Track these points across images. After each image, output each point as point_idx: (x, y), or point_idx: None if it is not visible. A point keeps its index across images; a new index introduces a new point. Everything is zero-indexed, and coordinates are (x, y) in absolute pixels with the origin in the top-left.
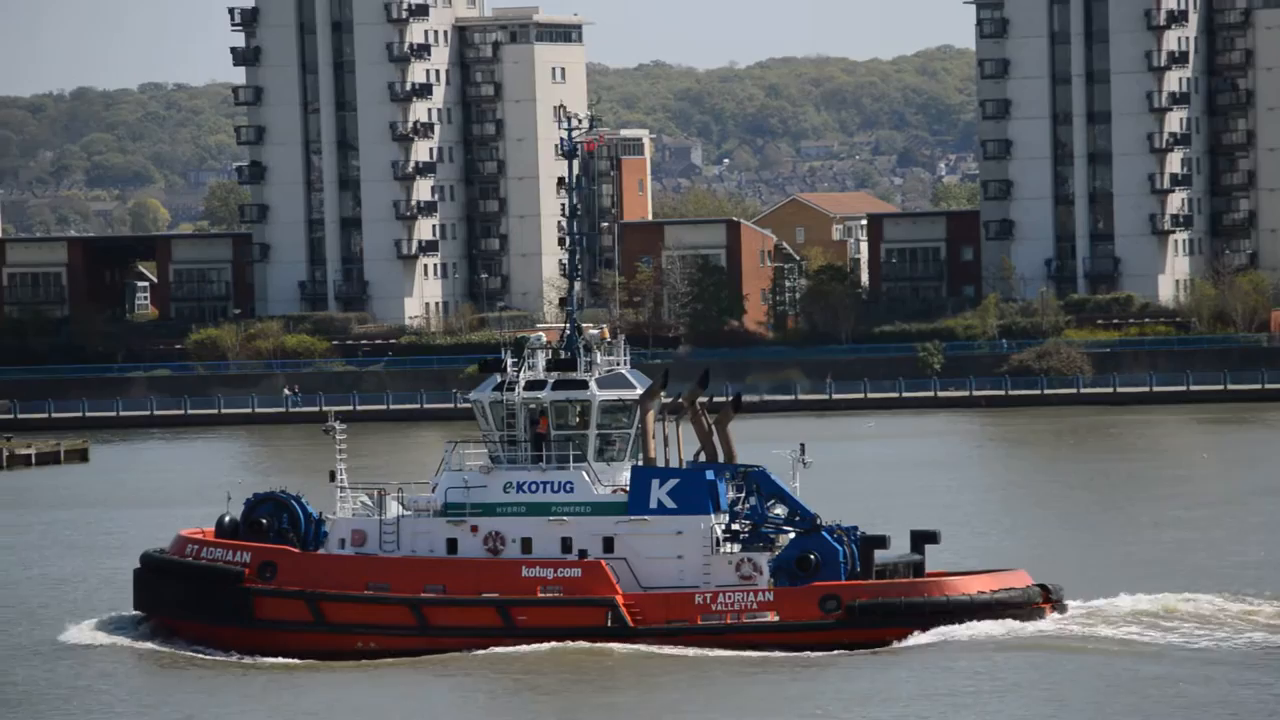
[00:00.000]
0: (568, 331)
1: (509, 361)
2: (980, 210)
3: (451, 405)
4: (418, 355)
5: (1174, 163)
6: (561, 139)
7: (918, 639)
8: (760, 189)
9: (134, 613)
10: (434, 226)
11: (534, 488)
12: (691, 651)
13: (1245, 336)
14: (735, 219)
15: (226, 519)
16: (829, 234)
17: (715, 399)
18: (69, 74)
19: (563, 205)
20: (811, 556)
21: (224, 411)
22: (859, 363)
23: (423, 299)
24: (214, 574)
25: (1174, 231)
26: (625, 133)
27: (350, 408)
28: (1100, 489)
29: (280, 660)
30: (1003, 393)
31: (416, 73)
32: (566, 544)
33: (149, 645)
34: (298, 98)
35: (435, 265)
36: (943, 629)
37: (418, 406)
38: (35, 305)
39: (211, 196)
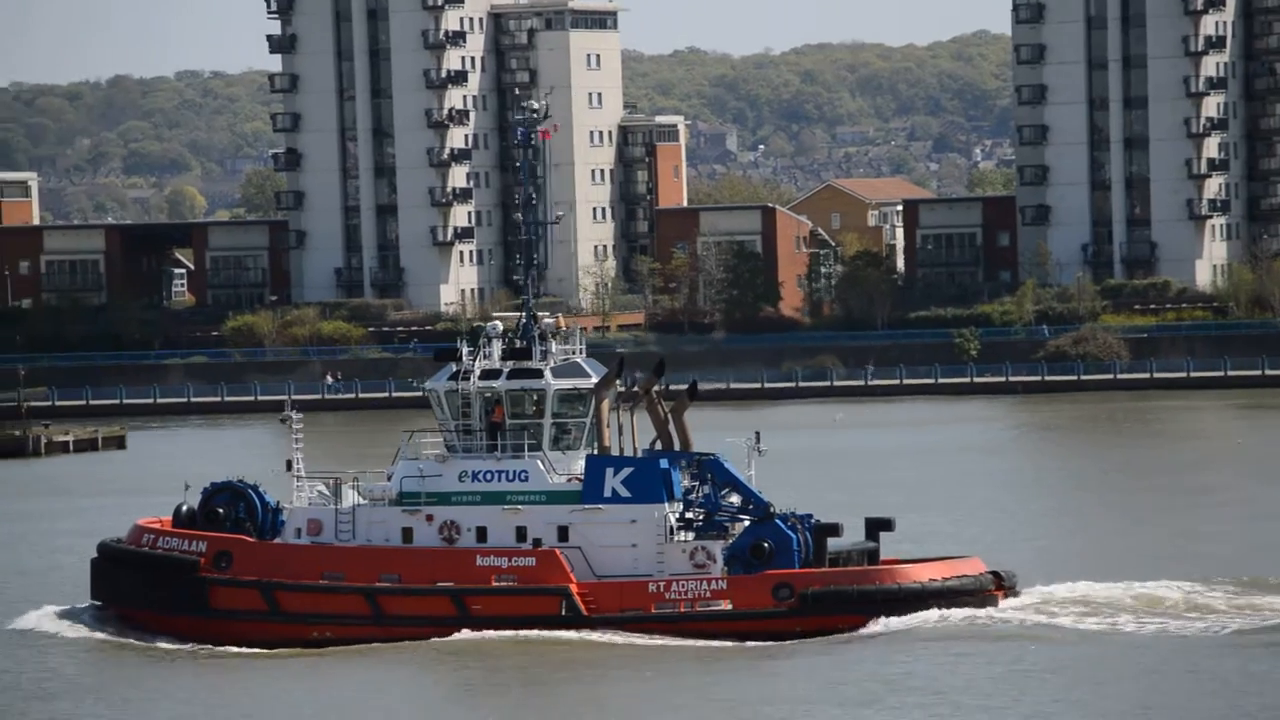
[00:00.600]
0: (523, 320)
1: (464, 350)
2: (1016, 196)
3: None
4: (454, 341)
5: (1211, 147)
6: (515, 129)
7: (871, 628)
8: (795, 175)
9: (91, 602)
10: (469, 213)
11: (489, 477)
12: (642, 640)
13: None
14: (770, 205)
15: (184, 508)
16: (864, 220)
17: (671, 387)
18: (106, 62)
19: (606, 194)
20: (765, 544)
21: (260, 398)
22: (895, 349)
23: (458, 285)
24: (169, 563)
25: (1211, 216)
26: (660, 119)
27: (387, 394)
28: (1118, 475)
29: (232, 650)
30: (1039, 378)
31: (452, 60)
32: (521, 533)
33: (97, 633)
34: (333, 85)
35: (471, 252)
36: (888, 620)
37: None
38: (73, 292)
39: (248, 184)
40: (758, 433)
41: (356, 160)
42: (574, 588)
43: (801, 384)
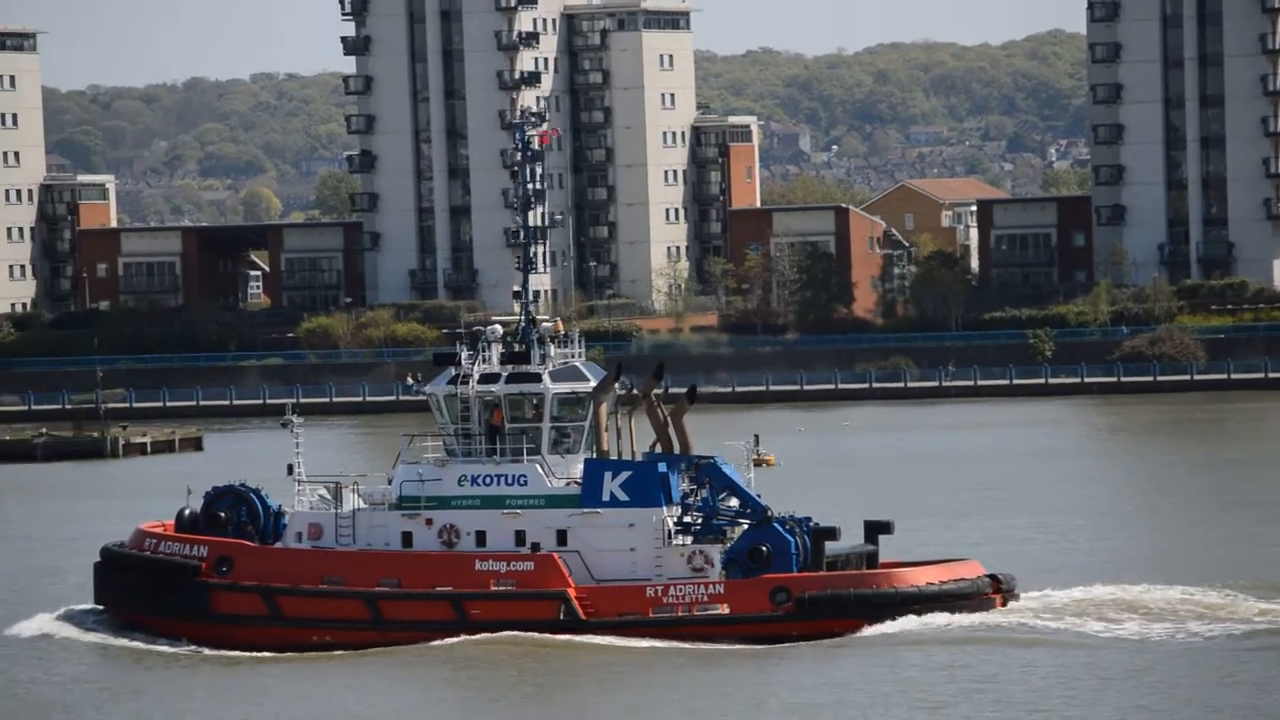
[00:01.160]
0: (522, 324)
1: (463, 355)
2: (1091, 195)
3: None
4: None
5: None
6: (514, 134)
7: (866, 631)
8: (869, 175)
9: (95, 606)
10: (543, 214)
11: (488, 481)
12: (642, 644)
13: None
14: (844, 206)
15: (186, 512)
16: (938, 220)
17: (670, 390)
18: (182, 65)
19: (680, 193)
20: (763, 548)
21: (335, 400)
22: (969, 350)
23: (531, 287)
24: (170, 568)
25: None
26: (733, 120)
27: None
28: (1189, 477)
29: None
30: (1115, 379)
31: (525, 61)
32: (520, 537)
33: (96, 637)
34: (407, 87)
35: (544, 253)
36: (881, 625)
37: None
38: (150, 294)
39: (322, 185)
40: (756, 436)
41: (430, 162)
42: (572, 592)
43: (875, 385)
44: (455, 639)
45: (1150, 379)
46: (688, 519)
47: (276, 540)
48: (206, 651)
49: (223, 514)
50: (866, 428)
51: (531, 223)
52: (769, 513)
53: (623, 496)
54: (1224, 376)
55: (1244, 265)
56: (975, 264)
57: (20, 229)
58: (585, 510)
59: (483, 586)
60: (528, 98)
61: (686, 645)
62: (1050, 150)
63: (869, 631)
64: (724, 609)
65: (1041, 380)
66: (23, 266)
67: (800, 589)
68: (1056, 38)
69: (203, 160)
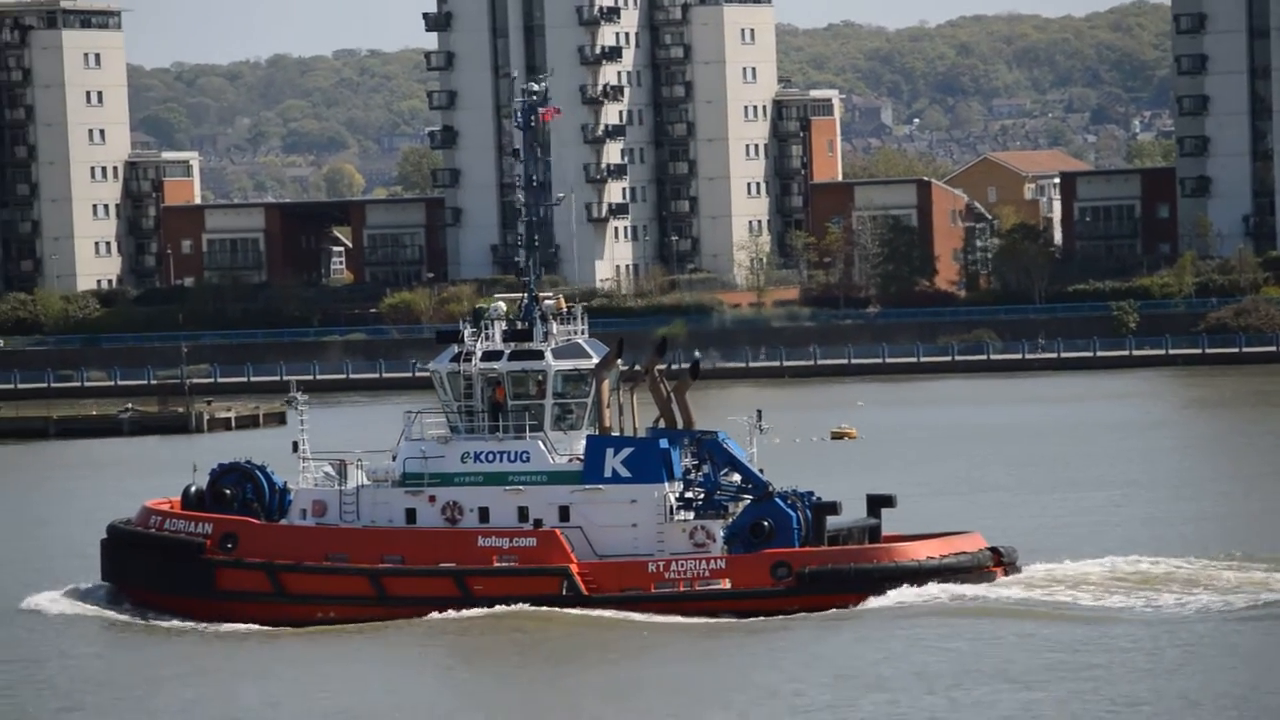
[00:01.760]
0: (524, 301)
1: (466, 332)
2: (1176, 167)
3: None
4: (609, 318)
5: None
6: (515, 110)
7: (866, 604)
8: (951, 148)
9: (101, 583)
10: (624, 189)
11: (491, 457)
12: (641, 617)
13: None
14: (926, 179)
15: (192, 489)
16: (1021, 193)
17: (673, 366)
18: (265, 41)
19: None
20: (765, 523)
21: (418, 375)
22: (1053, 322)
23: (613, 262)
24: (176, 545)
25: None
26: (814, 93)
27: None
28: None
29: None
30: (1199, 351)
31: (606, 36)
32: (523, 513)
33: (97, 613)
34: (489, 62)
35: (625, 228)
36: (878, 598)
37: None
38: (234, 271)
39: (404, 161)
40: (759, 411)
41: (512, 137)
42: (574, 568)
43: (958, 358)
44: (458, 614)
45: (1235, 350)
46: (689, 495)
47: (282, 517)
48: (209, 628)
49: (228, 491)
50: (950, 401)
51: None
52: (770, 488)
53: (625, 473)
54: None
55: None
56: (1058, 236)
57: (106, 206)
58: (587, 486)
59: (485, 563)
60: (609, 73)
61: (687, 620)
62: (1134, 122)
63: (869, 605)
64: (725, 584)
65: (1126, 352)
66: (108, 243)
67: (801, 564)
68: (1140, 8)
69: (285, 137)
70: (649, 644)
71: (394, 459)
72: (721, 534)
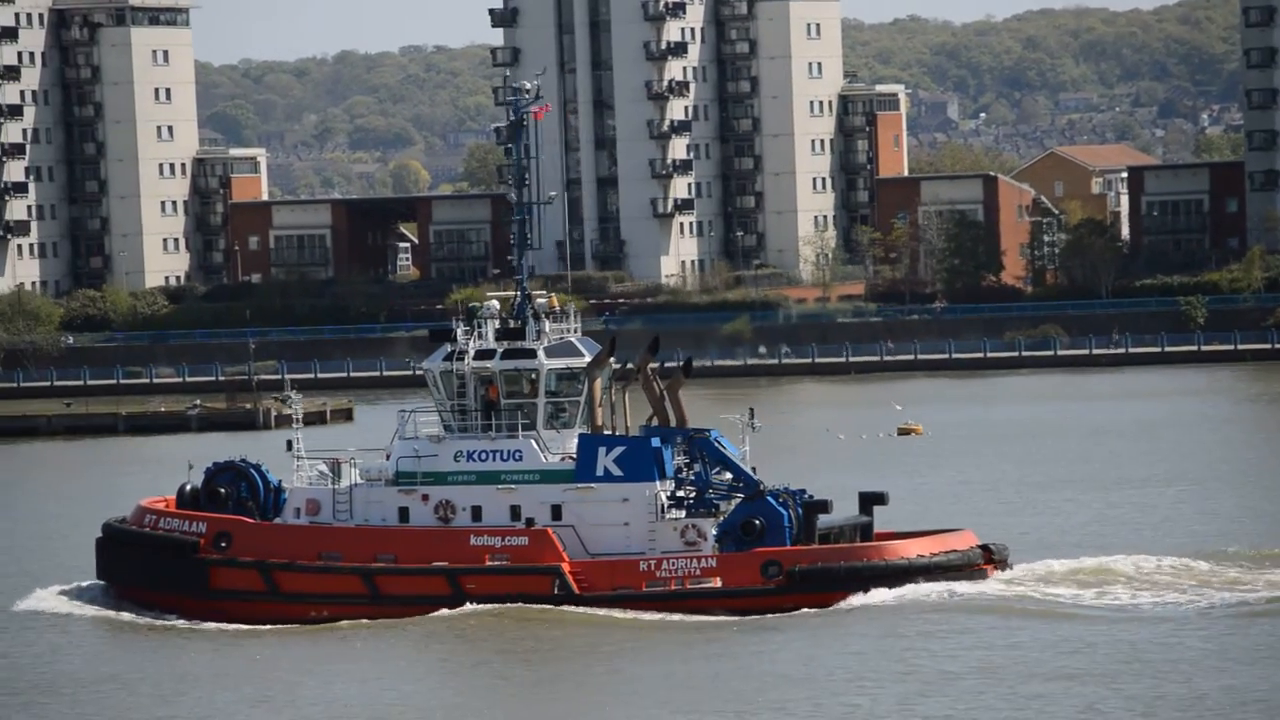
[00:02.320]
0: (517, 300)
1: (459, 330)
2: (1244, 161)
3: (709, 363)
4: (674, 314)
5: None
6: (507, 109)
7: (851, 601)
8: (1018, 143)
9: (97, 581)
10: (689, 185)
11: (484, 456)
12: (630, 615)
13: None
14: (992, 174)
15: (187, 488)
16: (1088, 187)
17: (666, 365)
18: (332, 38)
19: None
20: (756, 522)
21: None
22: (1120, 317)
23: (679, 257)
24: (170, 544)
25: None
26: (881, 88)
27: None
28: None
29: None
30: (1269, 346)
31: (672, 31)
32: (515, 512)
33: (91, 612)
34: (554, 58)
35: (691, 223)
36: (866, 595)
37: (674, 365)
38: (300, 267)
39: (470, 157)
40: (752, 409)
41: (578, 133)
42: (566, 566)
43: (1024, 353)
44: (450, 612)
45: None
46: (681, 493)
47: (277, 516)
48: (202, 626)
49: (223, 490)
50: (1016, 397)
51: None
52: (762, 486)
53: (616, 471)
54: None
55: None
56: (1126, 231)
57: (174, 203)
58: (579, 485)
59: (478, 561)
60: (674, 68)
61: (678, 618)
62: (1203, 116)
63: (858, 602)
64: (716, 582)
65: (1194, 348)
66: (176, 240)
67: (791, 562)
68: (1209, 1)
69: (352, 133)
70: (639, 642)
71: (388, 458)
72: (713, 532)
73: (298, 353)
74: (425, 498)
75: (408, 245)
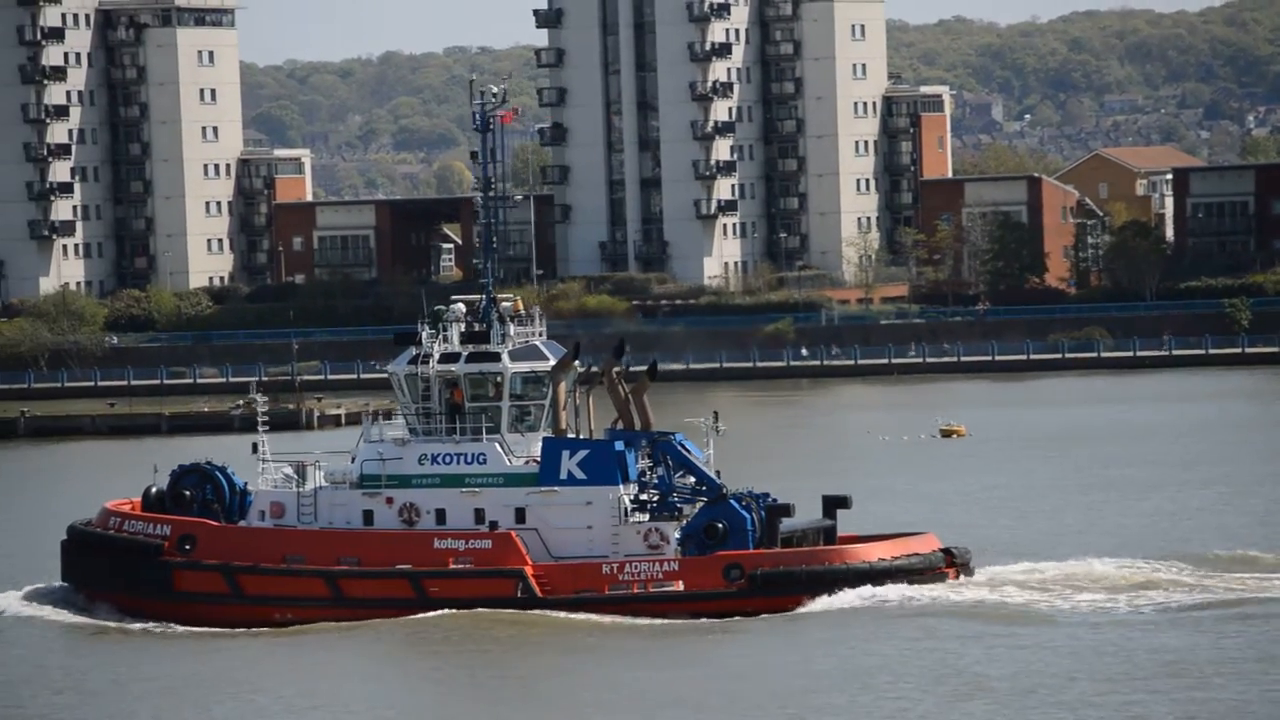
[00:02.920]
0: (483, 303)
1: (424, 334)
2: None
3: (750, 364)
4: (717, 315)
5: None
6: (474, 113)
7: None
8: (1062, 144)
9: (62, 584)
10: (733, 186)
11: (448, 459)
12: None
13: None
14: (1036, 175)
15: (153, 490)
16: (1133, 189)
17: (632, 368)
18: (377, 39)
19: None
20: (719, 525)
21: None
22: (1164, 319)
23: (722, 258)
24: (134, 547)
25: None
26: (925, 90)
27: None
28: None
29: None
30: None
31: (716, 32)
32: (479, 515)
33: (54, 615)
34: (598, 59)
35: (734, 225)
36: (829, 598)
37: (717, 366)
38: (344, 268)
39: (514, 158)
40: (715, 412)
41: (621, 134)
42: (529, 570)
43: (1068, 356)
44: (413, 616)
45: None
46: (644, 497)
47: (243, 519)
48: (163, 630)
49: (188, 492)
50: (1059, 399)
51: (722, 195)
52: (725, 490)
53: (580, 475)
54: None
55: None
56: (1170, 233)
57: (218, 203)
58: (543, 489)
59: (441, 565)
60: (718, 69)
61: (641, 621)
62: (1249, 117)
63: (819, 606)
64: (678, 585)
65: (1238, 350)
66: (220, 240)
67: (753, 565)
68: (1256, 3)
69: (396, 134)
70: (603, 645)
71: (353, 461)
72: (676, 536)
73: (341, 353)
74: (390, 501)
75: (451, 246)
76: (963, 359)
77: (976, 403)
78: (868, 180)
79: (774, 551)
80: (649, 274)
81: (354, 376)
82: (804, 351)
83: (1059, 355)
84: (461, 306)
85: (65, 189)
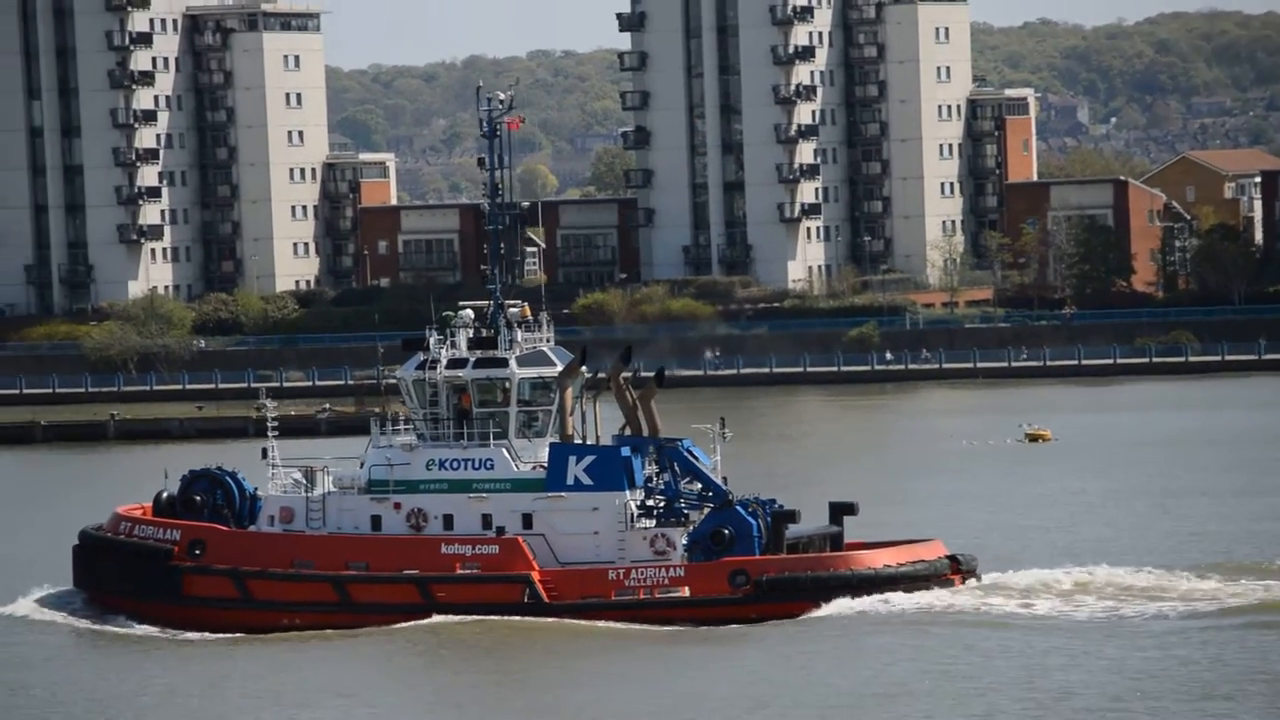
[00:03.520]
0: (491, 309)
1: (432, 339)
2: None
3: (835, 368)
4: (801, 318)
5: None
6: (481, 120)
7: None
8: (1149, 147)
9: (74, 589)
10: (816, 189)
11: (455, 465)
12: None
13: None
14: (1123, 178)
15: (164, 495)
16: (1221, 192)
17: (639, 374)
18: (461, 42)
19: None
20: (725, 531)
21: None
22: (1252, 323)
23: (805, 262)
24: (144, 551)
25: None
26: (1010, 92)
27: (735, 371)
28: None
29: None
30: None
31: (799, 35)
32: (487, 520)
33: (65, 620)
34: (682, 62)
35: (818, 228)
36: (836, 604)
37: (801, 370)
38: (428, 271)
39: (598, 162)
40: (722, 418)
41: (704, 137)
42: (536, 575)
43: (1155, 360)
44: (421, 621)
45: None
46: (651, 502)
47: (252, 524)
48: (176, 634)
49: (199, 497)
50: (1146, 403)
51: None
52: (731, 496)
53: (587, 480)
54: None
55: None
56: (1259, 236)
57: (304, 207)
58: (550, 494)
59: (448, 570)
60: (801, 72)
61: (647, 627)
62: None
63: (825, 612)
64: (684, 591)
65: None
66: (306, 244)
67: (759, 571)
68: None
69: (480, 138)
70: (611, 650)
71: (361, 466)
72: (682, 542)
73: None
74: (397, 506)
75: (535, 250)
76: (1048, 363)
77: (1063, 408)
78: (952, 184)
79: (780, 558)
80: (732, 277)
81: None
82: (888, 355)
83: (1146, 360)
84: (469, 312)
85: (153, 193)
